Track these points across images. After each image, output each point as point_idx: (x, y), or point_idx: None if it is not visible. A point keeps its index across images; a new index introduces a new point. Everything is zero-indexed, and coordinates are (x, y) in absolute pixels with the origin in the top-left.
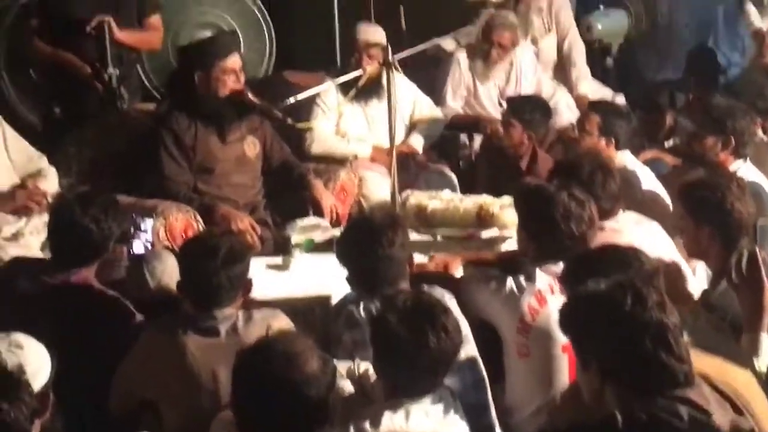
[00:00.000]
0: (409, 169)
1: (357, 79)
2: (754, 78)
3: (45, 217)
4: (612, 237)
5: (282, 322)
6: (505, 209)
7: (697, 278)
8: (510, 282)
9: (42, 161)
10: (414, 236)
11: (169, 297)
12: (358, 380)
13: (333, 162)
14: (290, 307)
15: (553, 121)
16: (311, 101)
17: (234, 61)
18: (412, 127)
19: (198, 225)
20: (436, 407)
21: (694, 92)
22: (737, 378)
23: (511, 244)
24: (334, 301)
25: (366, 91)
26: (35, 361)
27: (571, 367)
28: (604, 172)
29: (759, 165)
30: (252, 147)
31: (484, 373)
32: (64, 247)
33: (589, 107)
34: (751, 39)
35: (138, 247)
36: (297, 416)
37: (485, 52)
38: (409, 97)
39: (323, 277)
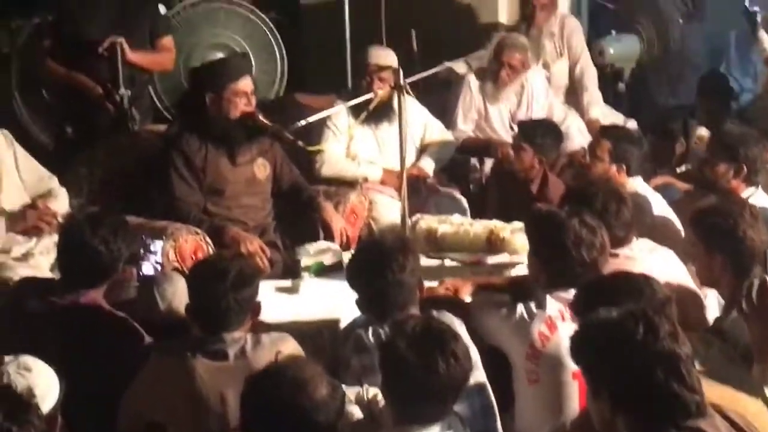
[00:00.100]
0: (419, 193)
1: (368, 101)
2: (766, 104)
3: (55, 238)
4: (625, 264)
5: (290, 346)
6: (515, 234)
7: (709, 306)
8: (520, 308)
9: (53, 181)
10: (424, 261)
11: (178, 320)
12: (366, 406)
13: (343, 184)
14: (299, 330)
15: (565, 146)
16: (322, 123)
17: (246, 83)
18: (422, 150)
19: (208, 247)
20: None
21: (706, 118)
22: (748, 408)
23: (521, 270)
24: (343, 324)
25: (377, 113)
26: (44, 384)
27: (581, 394)
28: (618, 201)
29: None
30: (262, 169)
31: (493, 399)
32: (74, 268)
33: (600, 133)
34: (763, 65)
35: (147, 268)
36: None
37: (495, 73)
38: (420, 120)
39: (332, 300)
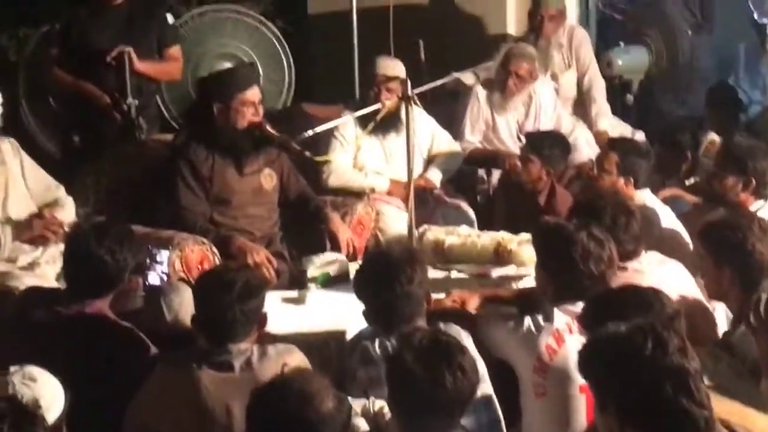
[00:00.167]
0: (426, 204)
1: (375, 112)
2: None
3: (61, 247)
4: (634, 277)
5: (297, 358)
6: (523, 246)
7: (717, 320)
8: (528, 321)
9: (59, 191)
10: (430, 272)
11: (185, 331)
12: (373, 419)
13: (350, 195)
14: (305, 341)
15: (572, 157)
16: (329, 134)
17: (253, 93)
18: (430, 161)
19: (214, 257)
20: None
21: (715, 130)
22: (757, 423)
23: (529, 282)
24: (349, 336)
25: (384, 124)
26: (49, 394)
27: (588, 407)
28: (627, 214)
29: None
30: (269, 179)
31: (500, 413)
32: (79, 277)
33: (608, 145)
34: None
35: (153, 278)
36: None
37: (502, 82)
38: (427, 131)
39: (338, 311)
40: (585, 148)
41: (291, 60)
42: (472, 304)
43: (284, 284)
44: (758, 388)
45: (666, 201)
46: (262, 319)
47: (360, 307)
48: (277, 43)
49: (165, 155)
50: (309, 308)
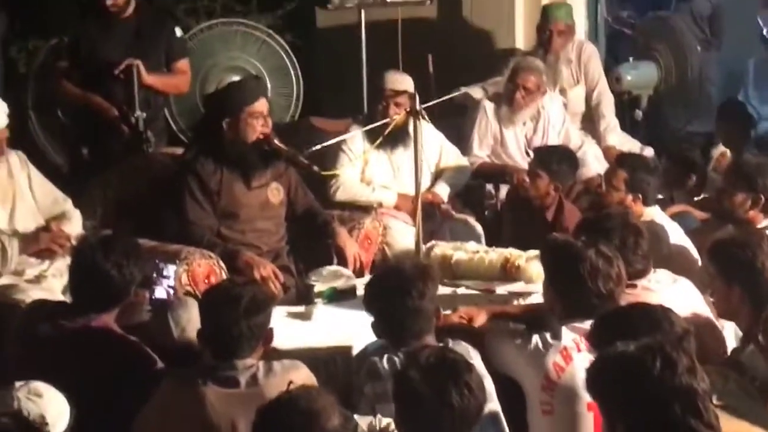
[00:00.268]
0: (434, 218)
1: (384, 126)
2: None
3: (68, 260)
4: (644, 296)
5: (303, 374)
6: (531, 262)
7: (727, 338)
8: (535, 339)
9: (67, 204)
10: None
11: (192, 346)
12: None
13: (357, 209)
14: (311, 357)
15: (581, 173)
16: (337, 148)
17: (261, 104)
18: (437, 176)
19: (221, 271)
20: None
21: (724, 146)
22: None
23: (536, 299)
24: (355, 351)
25: (392, 138)
26: (54, 410)
27: (596, 425)
28: (635, 234)
29: None
30: (276, 193)
31: (507, 430)
32: (85, 291)
33: (616, 162)
34: None
35: (160, 292)
36: None
37: (510, 95)
38: (435, 145)
39: (345, 327)
40: (593, 164)
41: (299, 73)
42: (480, 321)
43: (291, 299)
44: (766, 408)
45: (674, 217)
46: (269, 335)
47: (366, 322)
48: (285, 57)
49: (173, 169)
50: (315, 324)
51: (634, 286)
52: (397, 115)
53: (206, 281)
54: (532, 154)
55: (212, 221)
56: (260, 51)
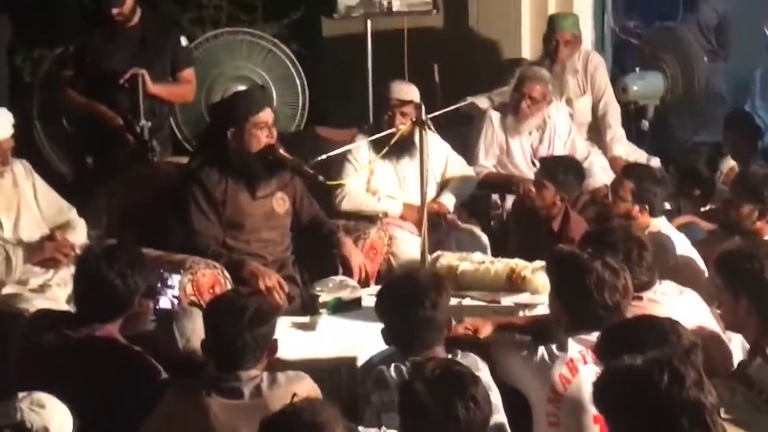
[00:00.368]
0: (439, 228)
1: (389, 136)
2: None
3: (72, 270)
4: (650, 308)
5: (307, 386)
6: (537, 273)
7: (734, 351)
8: (541, 350)
9: (71, 213)
10: None
11: (197, 356)
12: None
13: (363, 219)
14: (315, 368)
15: (587, 183)
16: (343, 157)
17: (266, 114)
18: (443, 186)
19: (226, 281)
20: None
21: (732, 157)
22: None
23: (542, 310)
24: (360, 362)
25: (398, 148)
26: (57, 421)
27: None
28: (639, 247)
29: None
30: (281, 203)
31: None
32: (89, 301)
33: (623, 172)
34: None
35: (164, 302)
36: None
37: (516, 104)
38: (441, 155)
39: (349, 338)
40: (600, 174)
41: (305, 83)
42: (485, 332)
43: (296, 309)
44: None
45: (681, 228)
46: (273, 346)
47: (371, 333)
48: (291, 66)
49: (178, 178)
50: (320, 334)
51: (640, 298)
52: (402, 125)
53: (211, 291)
54: (538, 164)
55: (217, 231)
56: (266, 60)
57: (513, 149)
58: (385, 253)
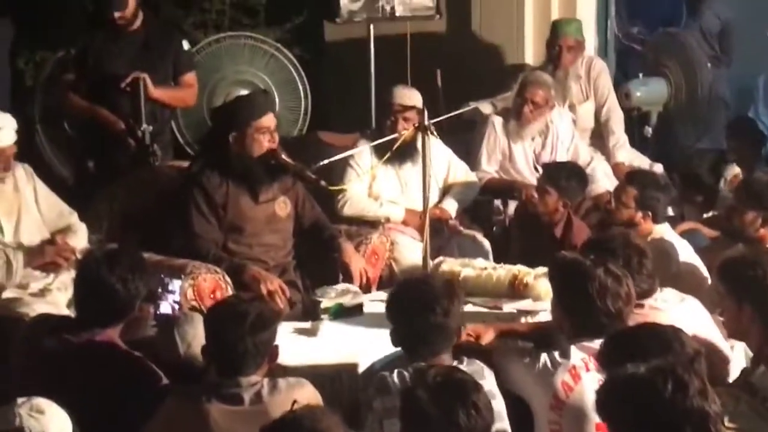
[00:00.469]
0: (441, 234)
1: (392, 141)
2: None
3: (73, 274)
4: (651, 315)
5: (308, 393)
6: (539, 279)
7: (736, 356)
8: (544, 357)
9: (72, 217)
10: None
11: (197, 362)
12: None
13: (364, 224)
14: (317, 374)
15: (590, 189)
16: (345, 162)
17: (268, 119)
18: (446, 191)
19: (227, 286)
20: None
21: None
22: None
23: (545, 316)
24: (361, 369)
25: (400, 153)
26: (56, 427)
27: None
28: (638, 254)
29: None
30: (283, 206)
31: None
32: (90, 305)
33: (626, 179)
34: None
35: (165, 307)
36: None
37: (518, 109)
38: (443, 161)
39: (351, 344)
40: (602, 180)
41: (307, 87)
42: (487, 338)
43: (297, 315)
44: None
45: (683, 235)
46: (274, 352)
47: (372, 339)
48: (293, 71)
49: (179, 182)
50: (321, 340)
51: (642, 305)
52: (405, 130)
53: (212, 296)
54: (540, 169)
55: (217, 234)
56: (268, 65)
57: (516, 155)
58: (386, 258)
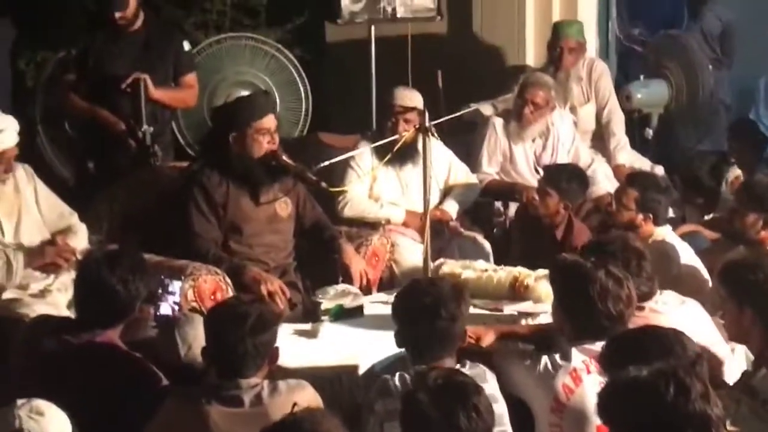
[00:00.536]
0: (442, 235)
1: (393, 143)
2: None
3: (73, 275)
4: (651, 318)
5: (308, 395)
6: (540, 281)
7: (737, 359)
8: (545, 360)
9: (73, 218)
10: None
11: (198, 363)
12: None
13: (365, 225)
14: (317, 376)
15: (591, 191)
16: (345, 164)
17: (269, 120)
18: (446, 193)
19: (227, 287)
20: None
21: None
22: None
23: (545, 318)
24: (362, 370)
25: (401, 154)
26: (56, 429)
27: None
28: (637, 257)
29: None
30: (284, 206)
31: None
32: (90, 306)
33: (627, 181)
34: None
35: (165, 309)
36: None
37: (519, 110)
38: (444, 162)
39: (351, 346)
40: (603, 182)
41: (308, 88)
42: (487, 340)
43: (298, 316)
44: None
45: (684, 237)
46: (274, 354)
47: (373, 340)
48: (294, 72)
49: (179, 182)
50: (321, 342)
51: (642, 308)
52: (406, 132)
53: (212, 297)
54: (541, 171)
55: (217, 234)
56: (269, 66)
57: (516, 156)
58: (387, 260)
